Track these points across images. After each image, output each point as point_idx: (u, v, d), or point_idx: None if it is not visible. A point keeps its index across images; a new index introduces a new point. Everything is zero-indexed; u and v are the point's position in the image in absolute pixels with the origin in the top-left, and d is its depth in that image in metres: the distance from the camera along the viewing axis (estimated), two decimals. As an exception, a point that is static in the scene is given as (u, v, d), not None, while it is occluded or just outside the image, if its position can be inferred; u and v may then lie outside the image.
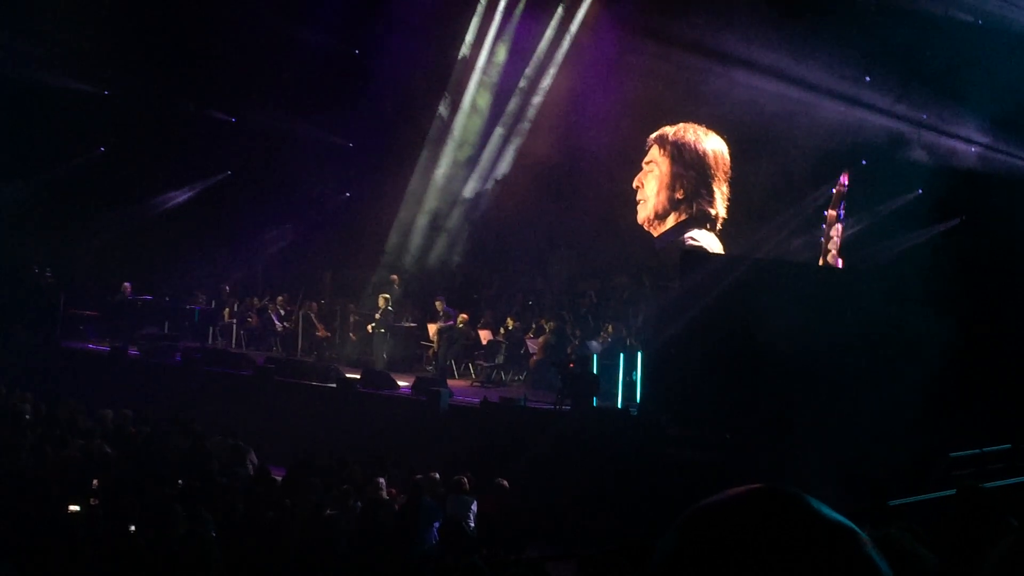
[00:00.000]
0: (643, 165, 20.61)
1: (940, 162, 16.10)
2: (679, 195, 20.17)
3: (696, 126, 20.19)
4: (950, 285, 12.20)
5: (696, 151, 20.10)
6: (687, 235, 19.73)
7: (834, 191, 18.06)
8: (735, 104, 17.88)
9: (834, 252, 17.95)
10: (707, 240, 19.70)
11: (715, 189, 19.92)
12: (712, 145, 20.04)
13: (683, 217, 20.12)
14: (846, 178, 18.00)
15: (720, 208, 19.83)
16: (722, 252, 19.12)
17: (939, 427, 11.21)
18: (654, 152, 20.53)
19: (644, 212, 20.48)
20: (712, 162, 19.97)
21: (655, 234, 20.34)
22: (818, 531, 1.01)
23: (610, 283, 19.68)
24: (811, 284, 13.92)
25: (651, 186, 20.48)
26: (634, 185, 20.57)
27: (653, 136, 20.49)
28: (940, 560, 3.42)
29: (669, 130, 20.40)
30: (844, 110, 17.16)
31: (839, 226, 18.01)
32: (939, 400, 11.02)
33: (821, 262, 17.85)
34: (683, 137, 20.24)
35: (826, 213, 18.13)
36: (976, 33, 15.30)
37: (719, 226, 19.79)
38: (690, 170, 20.08)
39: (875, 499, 8.53)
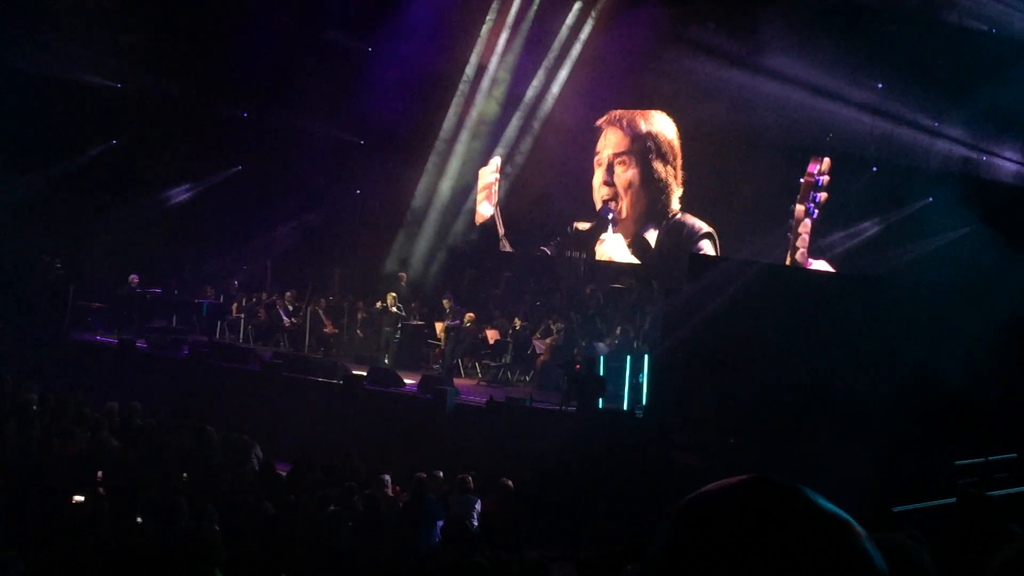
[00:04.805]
0: (614, 152, 20.16)
1: (951, 170, 16.03)
2: (650, 194, 19.97)
3: (657, 113, 19.85)
4: (958, 291, 12.14)
5: (669, 145, 19.73)
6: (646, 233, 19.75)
7: (802, 181, 17.05)
8: (743, 108, 17.81)
9: (803, 250, 16.87)
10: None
11: (679, 183, 19.72)
12: (674, 132, 19.72)
13: (648, 214, 20.04)
14: (815, 166, 16.93)
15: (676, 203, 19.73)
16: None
17: (944, 435, 11.17)
18: (618, 141, 20.10)
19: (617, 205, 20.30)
20: (677, 152, 19.68)
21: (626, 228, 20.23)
22: (813, 522, 1.00)
23: (618, 285, 19.63)
24: (819, 290, 13.88)
25: (623, 180, 20.09)
26: (602, 181, 20.30)
27: (623, 124, 20.07)
28: (941, 567, 3.42)
29: (641, 123, 19.99)
30: (855, 116, 17.07)
31: (808, 221, 16.95)
32: (945, 409, 10.98)
33: (788, 261, 16.92)
34: (658, 134, 19.81)
35: (793, 207, 17.08)
36: (989, 41, 15.25)
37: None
38: (668, 166, 19.80)
39: (879, 506, 8.51)
